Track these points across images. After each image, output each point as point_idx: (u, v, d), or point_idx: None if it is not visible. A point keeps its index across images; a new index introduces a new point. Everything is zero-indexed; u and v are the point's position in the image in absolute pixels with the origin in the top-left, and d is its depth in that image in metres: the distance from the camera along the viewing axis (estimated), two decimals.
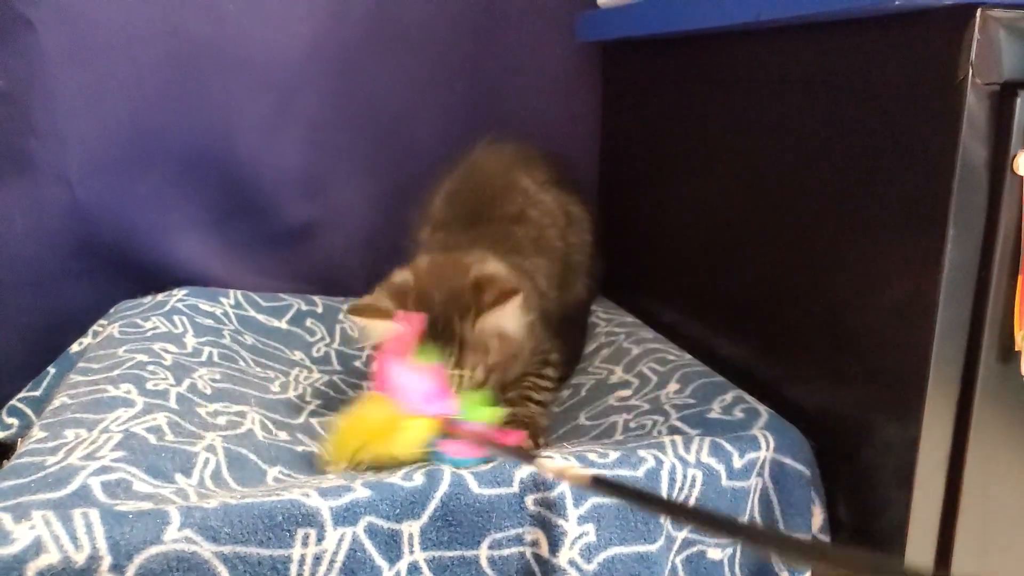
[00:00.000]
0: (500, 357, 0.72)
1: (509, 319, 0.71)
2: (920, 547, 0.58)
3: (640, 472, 0.56)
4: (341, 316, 0.96)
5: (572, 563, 0.53)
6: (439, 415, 0.58)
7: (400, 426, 0.57)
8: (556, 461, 0.52)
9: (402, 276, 0.75)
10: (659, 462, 0.57)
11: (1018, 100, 0.51)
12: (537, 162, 0.93)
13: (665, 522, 0.57)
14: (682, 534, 0.59)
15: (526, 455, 0.55)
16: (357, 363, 0.91)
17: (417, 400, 0.58)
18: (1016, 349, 0.55)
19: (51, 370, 0.87)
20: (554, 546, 0.54)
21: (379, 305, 0.70)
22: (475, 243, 0.80)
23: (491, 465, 0.55)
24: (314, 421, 0.75)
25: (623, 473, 0.56)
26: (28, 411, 0.85)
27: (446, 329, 0.69)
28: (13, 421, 0.85)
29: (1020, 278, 0.54)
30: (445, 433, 0.57)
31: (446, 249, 0.80)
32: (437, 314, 0.69)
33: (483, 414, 0.64)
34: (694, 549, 0.59)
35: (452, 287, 0.71)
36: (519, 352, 0.75)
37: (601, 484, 0.49)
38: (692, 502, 0.58)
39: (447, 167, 0.92)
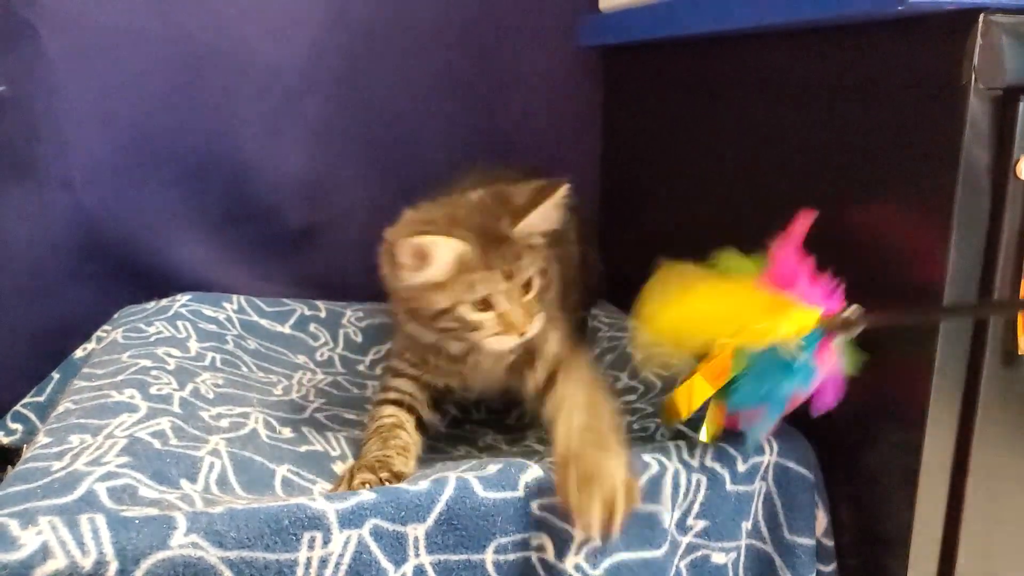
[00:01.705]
0: (544, 263, 0.67)
1: (553, 215, 0.67)
2: (924, 550, 0.58)
3: (644, 477, 0.56)
4: (344, 321, 0.97)
5: (578, 568, 0.53)
6: (828, 312, 0.50)
7: (786, 309, 0.49)
8: None
9: (421, 215, 0.68)
10: (663, 467, 0.57)
11: (1020, 105, 0.51)
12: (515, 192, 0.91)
13: (670, 527, 0.57)
14: (687, 539, 0.59)
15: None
16: (361, 367, 0.91)
17: (810, 291, 0.51)
18: (1020, 353, 0.55)
19: (55, 375, 0.87)
20: (560, 551, 0.54)
21: (430, 227, 0.64)
22: None
23: (496, 469, 0.55)
24: (319, 416, 0.75)
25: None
26: (32, 417, 0.85)
27: (493, 240, 0.64)
28: (17, 427, 0.85)
29: (1023, 282, 0.54)
30: (833, 329, 0.49)
31: None
32: (479, 224, 0.64)
33: (849, 358, 0.54)
34: (699, 554, 0.60)
35: (473, 205, 0.67)
36: (549, 257, 0.69)
37: None
38: (697, 507, 0.59)
39: (432, 192, 0.91)
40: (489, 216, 0.65)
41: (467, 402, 0.80)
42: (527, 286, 0.66)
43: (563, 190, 0.66)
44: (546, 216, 0.67)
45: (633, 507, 0.53)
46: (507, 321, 0.64)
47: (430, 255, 0.63)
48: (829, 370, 0.51)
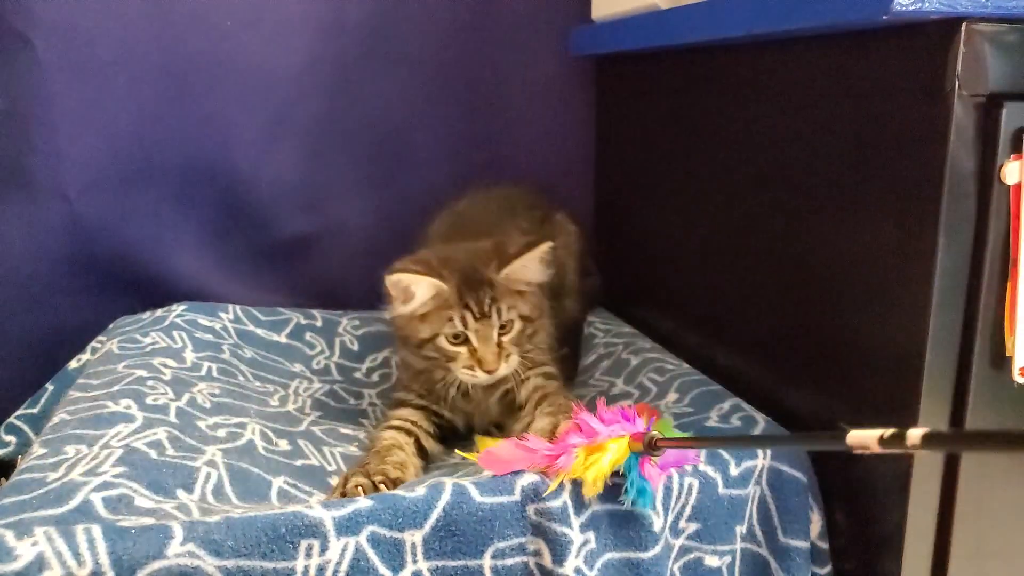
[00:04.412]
0: (529, 310, 0.73)
1: (536, 267, 0.73)
2: (917, 552, 0.58)
3: None
4: (341, 330, 0.97)
5: (578, 571, 0.54)
6: (636, 435, 0.56)
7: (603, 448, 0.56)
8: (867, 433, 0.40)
9: (419, 255, 0.75)
10: None
11: (1004, 111, 0.52)
12: (520, 211, 0.93)
13: (663, 530, 0.58)
14: (679, 541, 0.59)
15: (824, 437, 0.55)
16: (357, 374, 0.91)
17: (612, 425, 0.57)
18: (1007, 355, 0.55)
19: (49, 387, 0.87)
20: (559, 555, 0.54)
21: (416, 266, 0.71)
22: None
23: (493, 474, 0.55)
24: (315, 429, 0.75)
25: (620, 482, 0.56)
26: (26, 428, 0.85)
27: (476, 277, 0.71)
28: (11, 439, 0.85)
29: (1010, 284, 0.55)
30: (648, 449, 0.55)
31: None
32: (465, 267, 0.71)
33: (672, 431, 0.61)
34: (691, 556, 0.60)
35: (472, 250, 0.74)
36: (542, 311, 0.76)
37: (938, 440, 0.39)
38: (689, 510, 0.59)
39: (436, 212, 0.91)
40: (480, 262, 0.72)
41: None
42: (505, 328, 0.71)
43: (545, 246, 0.72)
44: (528, 266, 0.73)
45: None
46: (477, 357, 0.70)
47: (410, 290, 0.70)
48: (667, 464, 0.57)
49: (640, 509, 0.56)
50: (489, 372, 0.70)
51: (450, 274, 0.70)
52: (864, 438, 0.40)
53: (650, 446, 0.54)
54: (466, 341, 0.70)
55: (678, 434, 0.61)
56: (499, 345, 0.70)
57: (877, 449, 0.39)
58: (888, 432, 0.38)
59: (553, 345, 0.81)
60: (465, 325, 0.69)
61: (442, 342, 0.70)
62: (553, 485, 0.55)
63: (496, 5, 1.02)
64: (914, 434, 0.37)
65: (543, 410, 0.70)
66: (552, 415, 0.69)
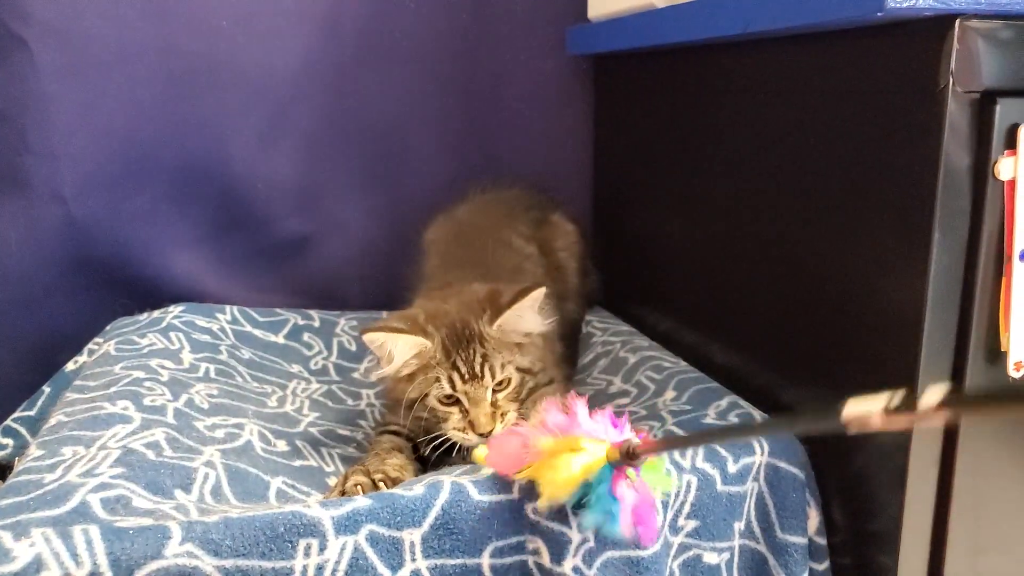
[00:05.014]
0: (529, 363, 0.68)
1: (532, 316, 0.68)
2: (914, 548, 0.58)
3: None
4: (338, 330, 0.97)
5: (576, 570, 0.54)
6: (616, 443, 0.50)
7: (575, 447, 0.50)
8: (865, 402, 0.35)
9: (407, 311, 0.71)
10: None
11: (997, 107, 0.52)
12: (519, 214, 0.92)
13: (663, 528, 0.58)
14: (678, 539, 0.59)
15: (816, 416, 0.45)
16: (356, 374, 0.91)
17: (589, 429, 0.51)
18: (1002, 350, 0.56)
19: (46, 389, 0.87)
20: (557, 554, 0.54)
21: (394, 323, 0.67)
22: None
23: (491, 473, 0.55)
24: (314, 430, 0.75)
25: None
26: (23, 431, 0.85)
27: (466, 333, 0.66)
28: (8, 441, 0.84)
29: (1004, 280, 0.55)
30: (623, 459, 0.49)
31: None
32: (455, 321, 0.66)
33: (659, 480, 0.53)
34: (690, 553, 0.60)
35: (464, 301, 0.69)
36: (545, 361, 0.71)
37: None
38: (687, 507, 0.59)
39: (437, 213, 0.91)
40: (471, 313, 0.67)
41: None
42: (501, 385, 0.66)
43: (537, 292, 0.66)
44: (524, 316, 0.67)
45: None
46: (469, 419, 0.65)
47: (388, 349, 0.66)
48: (639, 498, 0.50)
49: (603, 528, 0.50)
50: (483, 435, 0.65)
51: (436, 330, 0.66)
52: (863, 411, 0.32)
53: (628, 454, 0.48)
54: (457, 402, 0.66)
55: (666, 477, 0.54)
56: (494, 404, 0.66)
57: (880, 424, 0.32)
58: (895, 396, 0.31)
59: (557, 353, 0.79)
60: (454, 387, 0.65)
61: (432, 402, 0.66)
62: (518, 475, 0.51)
63: (493, 5, 1.02)
64: (931, 396, 0.29)
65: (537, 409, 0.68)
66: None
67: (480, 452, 0.58)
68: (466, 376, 0.65)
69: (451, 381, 0.65)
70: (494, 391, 0.66)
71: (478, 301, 0.68)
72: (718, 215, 0.79)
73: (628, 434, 0.51)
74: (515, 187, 0.97)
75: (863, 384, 0.60)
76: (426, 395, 0.66)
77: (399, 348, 0.66)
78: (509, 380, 0.67)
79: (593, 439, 0.50)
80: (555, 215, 0.96)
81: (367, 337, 0.66)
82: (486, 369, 0.65)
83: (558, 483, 0.49)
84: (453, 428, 0.66)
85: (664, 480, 0.53)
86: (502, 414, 0.66)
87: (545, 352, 0.72)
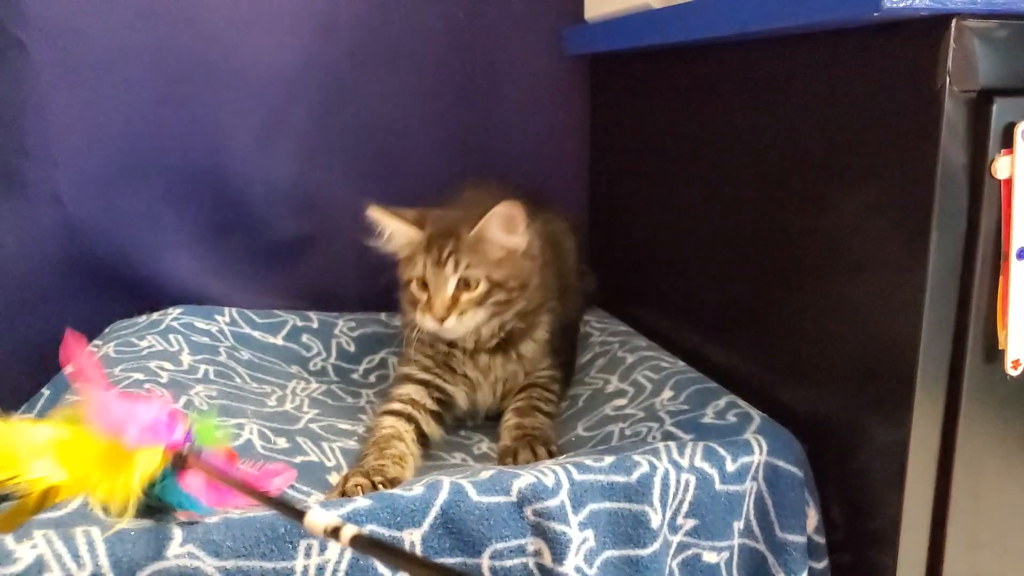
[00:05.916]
0: (503, 276, 0.75)
1: (506, 228, 0.75)
2: (913, 546, 0.59)
3: (634, 477, 0.57)
4: (337, 331, 0.97)
5: (578, 570, 0.54)
6: (172, 445, 0.48)
7: (124, 459, 0.45)
8: (324, 516, 0.41)
9: (418, 209, 0.80)
10: (653, 467, 0.58)
11: (994, 106, 0.52)
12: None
13: (662, 528, 0.58)
14: (677, 538, 0.60)
15: (290, 509, 0.45)
16: (355, 375, 0.91)
17: (141, 430, 0.47)
18: (1000, 348, 0.56)
19: (45, 392, 0.86)
20: (559, 554, 0.54)
21: (396, 210, 0.77)
22: None
23: (490, 475, 0.56)
24: (314, 426, 0.75)
25: (617, 479, 0.56)
26: None
27: (444, 235, 0.75)
28: None
29: (1001, 278, 0.55)
30: (181, 466, 0.48)
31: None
32: (447, 224, 0.76)
33: (215, 438, 0.52)
34: (689, 552, 0.60)
35: (467, 211, 0.77)
36: (525, 282, 0.78)
37: (363, 543, 0.40)
38: (686, 506, 0.59)
39: (431, 205, 0.92)
40: (460, 222, 0.76)
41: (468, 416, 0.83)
42: (468, 285, 0.74)
43: (501, 207, 0.74)
44: (491, 226, 0.75)
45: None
46: (429, 302, 0.74)
47: (387, 230, 0.78)
48: (207, 478, 0.49)
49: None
50: (437, 320, 0.73)
51: (430, 226, 0.76)
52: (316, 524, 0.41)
53: (179, 463, 0.47)
54: (427, 287, 0.75)
55: (220, 433, 0.52)
56: (455, 299, 0.73)
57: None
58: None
59: (556, 346, 0.82)
60: (425, 270, 0.74)
61: (413, 286, 0.76)
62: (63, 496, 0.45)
63: (489, 5, 1.02)
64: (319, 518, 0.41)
65: (514, 401, 0.75)
66: (518, 412, 0.74)
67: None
68: (435, 262, 0.74)
69: (424, 265, 0.75)
70: (458, 287, 0.74)
71: (469, 215, 0.76)
72: (715, 215, 0.79)
73: (180, 430, 0.48)
74: (506, 183, 0.97)
75: (861, 382, 0.61)
76: (411, 280, 0.76)
77: (396, 233, 0.77)
78: (476, 283, 0.74)
79: (146, 447, 0.47)
80: (546, 214, 0.97)
81: (370, 211, 0.77)
82: (451, 260, 0.74)
83: (115, 491, 0.45)
84: (420, 311, 0.75)
85: (221, 438, 0.52)
86: (460, 312, 0.74)
87: (528, 276, 0.78)
